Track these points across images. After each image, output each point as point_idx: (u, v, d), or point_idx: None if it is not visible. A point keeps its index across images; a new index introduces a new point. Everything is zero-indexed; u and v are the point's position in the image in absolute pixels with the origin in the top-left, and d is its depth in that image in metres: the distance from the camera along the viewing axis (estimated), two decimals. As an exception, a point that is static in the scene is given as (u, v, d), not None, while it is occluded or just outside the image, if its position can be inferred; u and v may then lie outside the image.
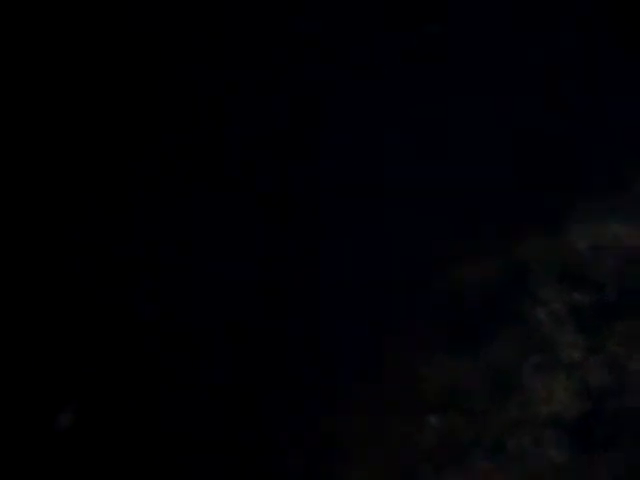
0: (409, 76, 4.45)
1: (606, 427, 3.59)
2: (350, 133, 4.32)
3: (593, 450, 3.52)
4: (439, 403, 3.72)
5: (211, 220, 4.06)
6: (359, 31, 4.39)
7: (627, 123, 4.50)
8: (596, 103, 4.54)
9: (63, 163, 4.09)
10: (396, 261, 4.13)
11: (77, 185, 4.04)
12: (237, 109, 4.32)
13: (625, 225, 4.29)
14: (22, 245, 3.91)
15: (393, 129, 4.42)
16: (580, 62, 4.63)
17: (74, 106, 4.21)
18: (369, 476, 3.54)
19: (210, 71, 4.40)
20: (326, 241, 4.12)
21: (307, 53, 4.41)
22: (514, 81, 4.59)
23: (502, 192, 4.35)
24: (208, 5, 4.45)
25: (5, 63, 4.24)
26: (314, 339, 3.86)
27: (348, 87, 4.37)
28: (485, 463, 3.52)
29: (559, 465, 3.49)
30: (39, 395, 3.54)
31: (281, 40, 4.40)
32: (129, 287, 3.89)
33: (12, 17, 4.34)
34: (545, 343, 3.87)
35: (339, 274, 4.06)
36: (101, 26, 4.38)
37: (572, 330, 3.90)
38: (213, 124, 4.25)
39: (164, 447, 3.47)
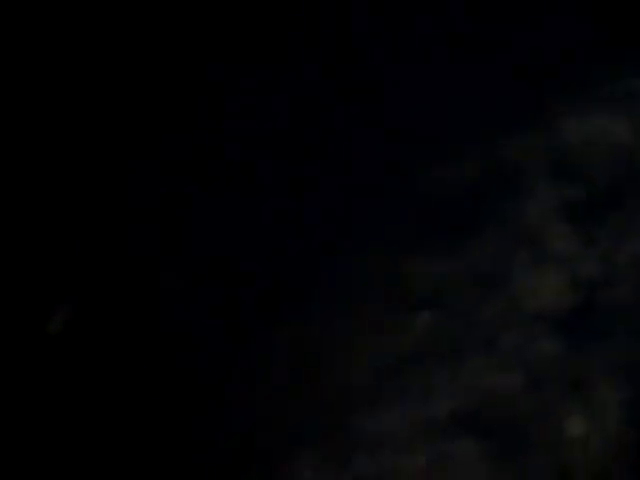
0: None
1: (598, 319, 3.57)
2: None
3: (586, 342, 3.51)
4: (426, 301, 3.71)
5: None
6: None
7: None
8: None
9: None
10: (376, 168, 4.10)
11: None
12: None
13: (615, 119, 4.25)
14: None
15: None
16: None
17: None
18: (359, 373, 3.53)
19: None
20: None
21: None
22: None
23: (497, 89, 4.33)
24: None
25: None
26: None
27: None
28: (477, 359, 3.50)
29: (552, 357, 3.46)
30: (32, 296, 3.53)
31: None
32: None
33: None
34: (535, 238, 3.84)
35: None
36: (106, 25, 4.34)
37: (563, 224, 3.87)
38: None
39: (162, 344, 3.46)
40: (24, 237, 3.69)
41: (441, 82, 4.38)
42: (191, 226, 3.89)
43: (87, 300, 3.59)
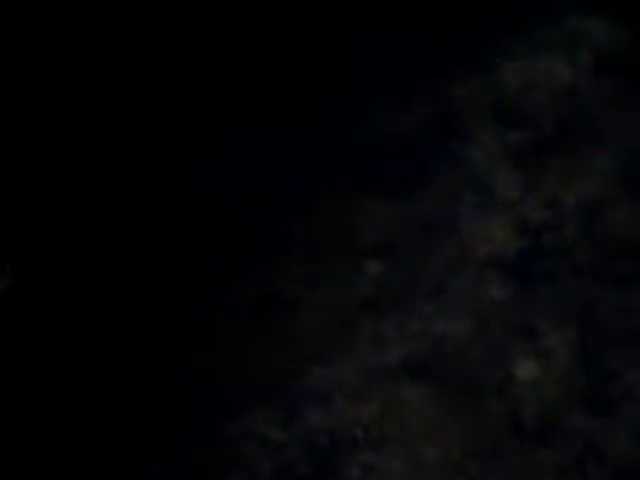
0: None
1: (545, 262, 3.59)
2: None
3: (533, 285, 3.53)
4: (375, 249, 3.71)
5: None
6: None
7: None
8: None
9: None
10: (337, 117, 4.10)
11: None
12: None
13: (557, 60, 4.25)
14: None
15: None
16: None
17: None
18: (315, 321, 3.54)
19: None
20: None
21: None
22: None
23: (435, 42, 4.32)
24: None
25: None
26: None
27: None
28: (427, 306, 3.51)
29: (500, 302, 3.49)
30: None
31: None
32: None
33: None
34: (481, 184, 3.85)
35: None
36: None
37: (508, 169, 3.88)
38: None
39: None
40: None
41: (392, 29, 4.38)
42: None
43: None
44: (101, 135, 4.03)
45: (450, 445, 3.20)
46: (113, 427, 3.30)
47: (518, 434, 3.19)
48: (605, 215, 3.67)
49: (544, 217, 3.70)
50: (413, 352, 3.39)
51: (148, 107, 4.22)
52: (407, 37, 4.40)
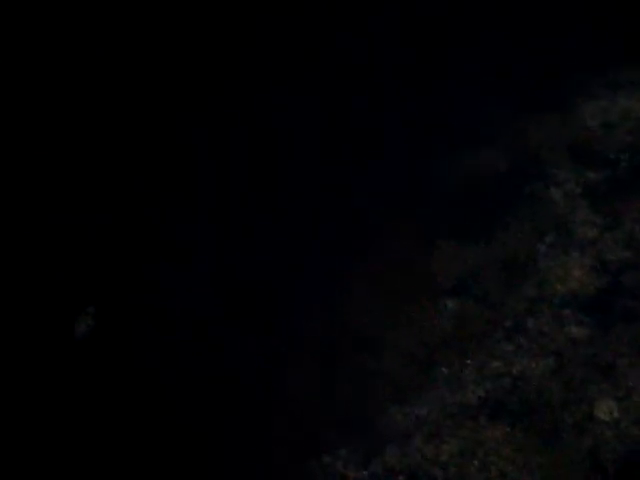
0: None
1: (625, 301, 3.58)
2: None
3: (613, 324, 3.52)
4: (453, 288, 3.74)
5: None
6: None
7: None
8: None
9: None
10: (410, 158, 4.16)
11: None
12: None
13: (634, 99, 4.25)
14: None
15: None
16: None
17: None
18: (395, 360, 3.56)
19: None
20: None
21: None
22: None
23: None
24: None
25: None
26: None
27: None
28: (508, 345, 3.52)
29: (580, 341, 3.48)
30: (58, 304, 3.59)
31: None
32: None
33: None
34: (559, 223, 3.86)
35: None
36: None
37: (586, 208, 3.88)
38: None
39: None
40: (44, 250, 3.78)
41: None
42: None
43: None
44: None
45: (529, 485, 3.21)
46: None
47: (600, 474, 3.18)
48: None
49: (622, 256, 3.69)
50: (493, 391, 3.40)
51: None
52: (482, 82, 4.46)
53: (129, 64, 4.31)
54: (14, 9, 4.28)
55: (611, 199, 3.93)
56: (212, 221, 3.98)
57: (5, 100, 4.19)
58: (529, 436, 3.36)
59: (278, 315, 3.71)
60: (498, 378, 3.51)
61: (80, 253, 3.84)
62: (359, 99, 4.38)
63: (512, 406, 3.44)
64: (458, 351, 3.61)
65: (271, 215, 3.96)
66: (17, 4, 4.30)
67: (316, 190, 4.07)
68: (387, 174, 4.12)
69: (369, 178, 4.11)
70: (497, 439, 3.33)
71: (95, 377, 3.47)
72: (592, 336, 3.59)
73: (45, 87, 4.25)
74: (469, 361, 3.54)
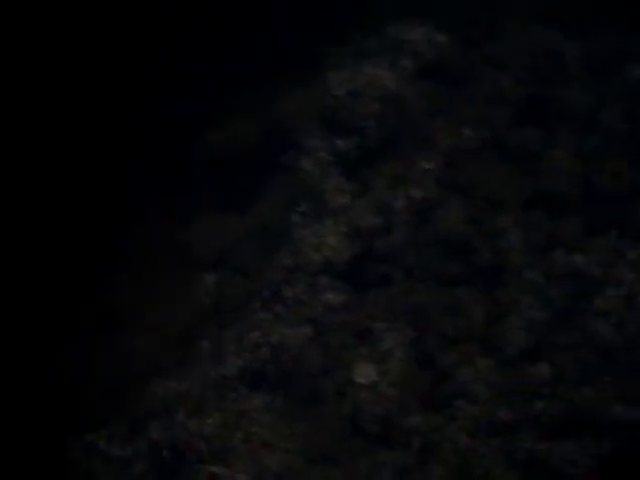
0: None
1: (378, 266, 3.65)
2: None
3: (367, 289, 3.58)
4: (211, 263, 3.72)
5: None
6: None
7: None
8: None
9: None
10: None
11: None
12: None
13: (378, 67, 4.32)
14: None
15: None
16: None
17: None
18: (150, 340, 3.52)
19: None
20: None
21: None
22: None
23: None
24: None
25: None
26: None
27: None
28: (264, 315, 3.53)
29: (336, 307, 3.52)
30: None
31: None
32: None
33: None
34: (312, 192, 3.89)
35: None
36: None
37: (338, 176, 3.93)
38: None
39: None
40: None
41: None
42: None
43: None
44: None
45: (292, 453, 3.22)
46: None
47: (360, 437, 3.23)
48: (433, 217, 3.74)
49: (374, 222, 3.75)
50: (251, 361, 3.41)
51: None
52: (231, 52, 4.44)
53: None
54: None
55: (361, 166, 4.00)
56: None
57: None
58: (289, 404, 3.39)
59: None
60: (257, 348, 3.52)
61: None
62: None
63: (271, 375, 3.46)
64: (218, 323, 3.61)
65: None
66: None
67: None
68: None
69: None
70: (258, 409, 3.33)
71: None
72: (348, 302, 3.64)
73: None
74: (229, 333, 3.53)
